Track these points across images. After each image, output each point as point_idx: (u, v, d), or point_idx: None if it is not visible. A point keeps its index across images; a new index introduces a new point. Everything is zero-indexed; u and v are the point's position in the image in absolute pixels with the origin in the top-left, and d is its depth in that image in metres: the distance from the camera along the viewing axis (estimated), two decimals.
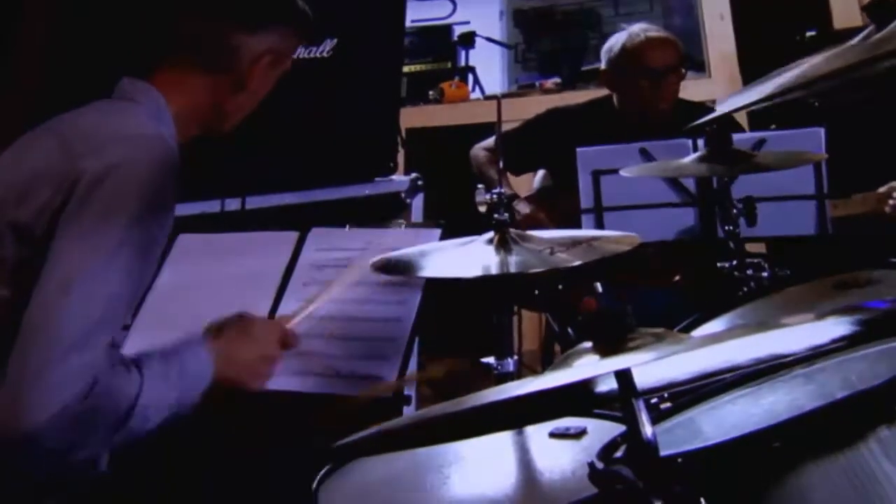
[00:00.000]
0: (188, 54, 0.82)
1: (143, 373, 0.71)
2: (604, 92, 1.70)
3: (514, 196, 1.63)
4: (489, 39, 2.57)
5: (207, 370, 0.78)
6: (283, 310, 0.98)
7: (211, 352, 0.79)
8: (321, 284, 0.98)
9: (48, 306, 0.67)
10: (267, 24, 0.84)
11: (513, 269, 0.77)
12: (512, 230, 0.82)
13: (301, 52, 1.39)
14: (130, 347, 0.78)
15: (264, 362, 0.84)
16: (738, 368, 0.65)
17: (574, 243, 0.79)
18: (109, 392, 0.68)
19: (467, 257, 0.82)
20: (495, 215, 0.83)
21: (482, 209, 0.86)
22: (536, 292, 1.31)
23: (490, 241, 0.82)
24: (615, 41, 1.58)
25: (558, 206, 1.54)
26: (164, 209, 0.75)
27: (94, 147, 0.73)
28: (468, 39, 2.54)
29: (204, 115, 0.83)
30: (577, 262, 0.76)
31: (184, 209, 1.31)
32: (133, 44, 0.95)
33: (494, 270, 0.78)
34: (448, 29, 2.58)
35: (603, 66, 1.61)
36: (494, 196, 0.84)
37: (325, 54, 1.40)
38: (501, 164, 1.79)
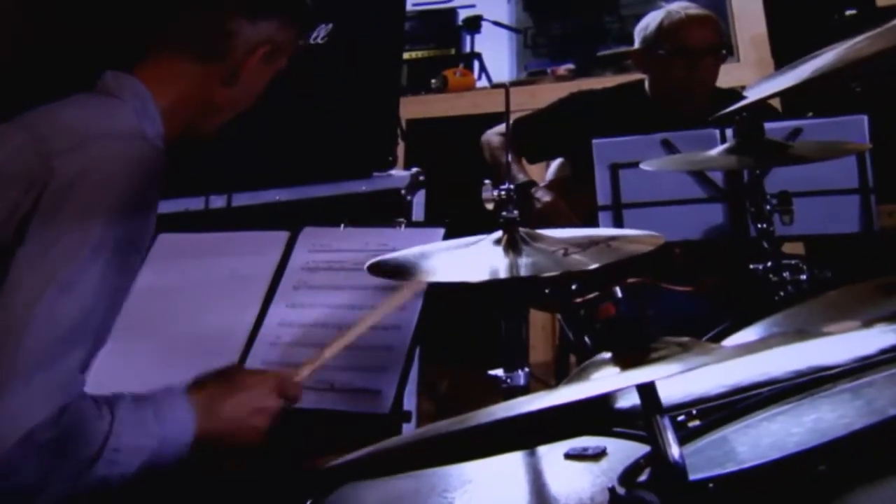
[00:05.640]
0: (180, 40, 0.81)
1: (115, 413, 0.69)
2: (629, 77, 1.68)
3: (532, 183, 1.61)
4: (496, 23, 2.56)
5: (188, 421, 0.75)
6: (271, 315, 0.97)
7: (193, 403, 0.76)
8: (314, 289, 0.97)
9: (12, 320, 0.65)
10: (268, 11, 0.83)
11: (523, 273, 0.76)
12: (522, 229, 0.80)
13: None
14: (104, 354, 0.77)
15: (256, 415, 0.80)
16: (776, 382, 0.63)
17: (591, 243, 0.78)
18: (80, 421, 0.66)
19: (473, 259, 0.81)
20: (503, 213, 0.81)
21: (489, 207, 0.84)
22: (547, 291, 1.29)
23: (498, 242, 0.81)
24: (651, 18, 1.57)
25: (580, 198, 1.52)
26: (143, 213, 0.74)
27: (69, 146, 0.72)
28: (474, 23, 2.53)
29: (192, 109, 0.82)
30: (594, 265, 0.74)
31: (165, 206, 1.30)
32: (119, 31, 0.94)
33: (503, 274, 0.76)
34: (452, 12, 2.58)
35: (636, 45, 1.60)
36: (502, 192, 0.82)
37: (319, 40, 1.40)
38: (517, 150, 1.77)
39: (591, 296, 1.27)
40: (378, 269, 0.83)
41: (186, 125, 0.83)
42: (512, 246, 0.79)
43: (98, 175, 0.71)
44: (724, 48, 1.55)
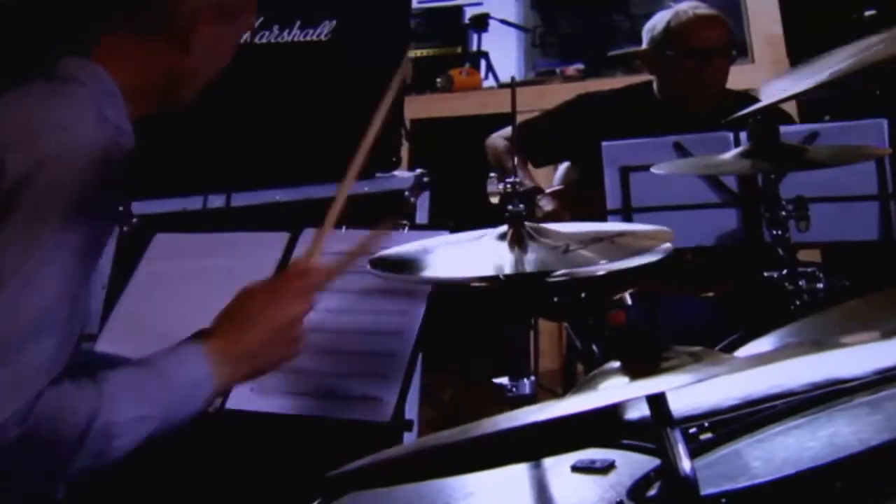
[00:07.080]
0: (122, 17, 0.80)
1: (103, 386, 0.70)
2: (640, 78, 1.68)
3: (537, 189, 1.61)
4: (504, 22, 2.56)
5: (201, 378, 0.75)
6: None
7: (207, 354, 0.76)
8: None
9: None
10: None
11: (529, 269, 0.75)
12: (528, 223, 0.80)
13: (296, 35, 1.39)
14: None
15: (284, 331, 0.78)
16: (791, 395, 0.62)
17: (596, 239, 0.77)
18: (57, 413, 0.66)
19: (477, 254, 0.80)
20: (509, 207, 0.80)
21: (494, 200, 0.84)
22: (556, 299, 1.29)
23: (503, 237, 0.80)
24: (659, 18, 1.57)
25: (588, 202, 1.51)
26: (104, 206, 0.74)
27: (24, 139, 0.72)
28: (481, 22, 2.54)
29: (153, 82, 0.81)
30: (603, 262, 0.74)
31: (163, 205, 1.31)
32: (69, 17, 0.93)
33: (508, 270, 0.75)
34: (458, 10, 2.58)
35: (644, 45, 1.60)
36: (508, 185, 0.82)
37: (322, 37, 1.40)
38: (522, 154, 1.76)
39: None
40: (380, 265, 0.82)
41: (158, 99, 0.82)
42: (517, 241, 0.78)
43: (55, 169, 0.70)
44: (733, 48, 1.54)
